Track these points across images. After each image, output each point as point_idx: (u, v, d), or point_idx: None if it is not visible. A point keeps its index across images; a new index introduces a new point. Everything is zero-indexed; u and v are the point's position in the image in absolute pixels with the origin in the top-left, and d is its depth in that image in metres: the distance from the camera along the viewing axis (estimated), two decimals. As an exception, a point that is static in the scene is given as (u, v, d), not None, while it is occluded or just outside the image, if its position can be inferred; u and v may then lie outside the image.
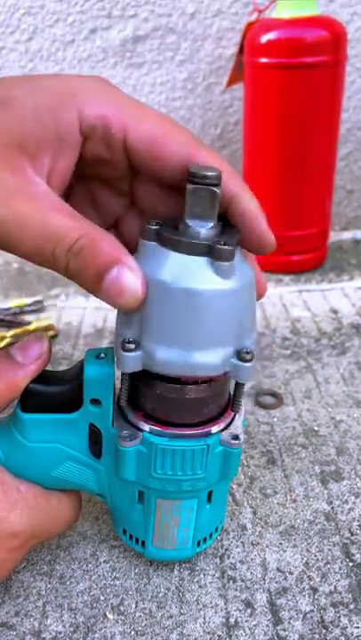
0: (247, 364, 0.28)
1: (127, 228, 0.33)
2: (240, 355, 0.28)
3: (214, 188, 0.27)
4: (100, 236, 0.26)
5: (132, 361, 0.28)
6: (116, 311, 0.29)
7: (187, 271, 0.27)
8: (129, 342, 0.28)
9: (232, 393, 0.32)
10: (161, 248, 0.27)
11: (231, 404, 0.32)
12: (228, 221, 0.30)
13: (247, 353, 0.28)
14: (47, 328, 0.63)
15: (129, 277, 0.26)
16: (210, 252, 0.27)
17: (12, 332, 0.61)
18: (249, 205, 0.29)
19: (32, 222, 0.25)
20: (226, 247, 0.26)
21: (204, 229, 0.28)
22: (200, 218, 0.27)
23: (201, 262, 0.27)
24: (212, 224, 0.28)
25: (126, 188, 0.32)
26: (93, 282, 0.26)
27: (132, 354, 0.28)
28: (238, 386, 0.31)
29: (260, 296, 0.31)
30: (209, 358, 0.28)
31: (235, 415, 0.33)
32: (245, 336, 0.29)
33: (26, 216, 0.25)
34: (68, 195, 0.31)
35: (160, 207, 0.32)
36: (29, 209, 0.25)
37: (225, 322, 0.28)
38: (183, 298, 0.26)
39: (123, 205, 0.33)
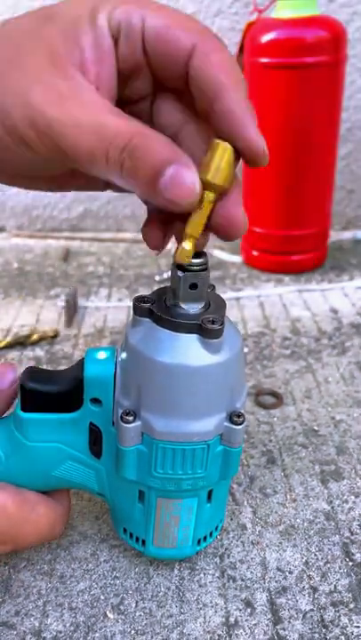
0: (239, 427, 0.31)
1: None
2: (232, 418, 0.31)
3: (202, 273, 0.29)
4: (154, 135, 0.25)
5: (132, 431, 0.30)
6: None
7: (180, 349, 0.29)
8: (127, 414, 0.30)
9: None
10: (155, 326, 0.29)
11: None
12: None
13: (238, 416, 0.31)
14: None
15: (187, 175, 0.25)
16: (200, 329, 0.29)
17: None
18: (236, 104, 0.26)
19: (87, 122, 0.25)
20: (214, 327, 0.28)
21: (193, 309, 0.30)
22: (191, 301, 0.29)
23: (193, 340, 0.29)
24: (201, 305, 0.30)
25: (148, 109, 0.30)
26: (149, 182, 0.25)
27: (131, 425, 0.30)
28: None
29: (235, 234, 0.29)
30: (204, 426, 0.30)
31: None
32: (236, 400, 0.31)
33: (80, 117, 0.25)
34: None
35: (179, 129, 0.30)
36: (83, 111, 0.25)
37: (217, 392, 0.30)
38: (178, 373, 0.29)
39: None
